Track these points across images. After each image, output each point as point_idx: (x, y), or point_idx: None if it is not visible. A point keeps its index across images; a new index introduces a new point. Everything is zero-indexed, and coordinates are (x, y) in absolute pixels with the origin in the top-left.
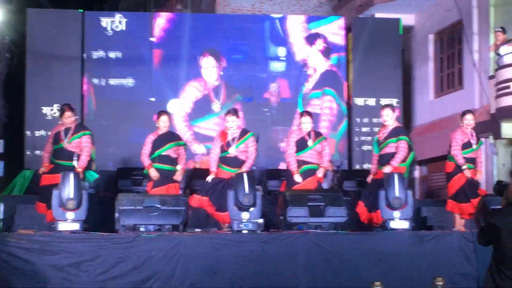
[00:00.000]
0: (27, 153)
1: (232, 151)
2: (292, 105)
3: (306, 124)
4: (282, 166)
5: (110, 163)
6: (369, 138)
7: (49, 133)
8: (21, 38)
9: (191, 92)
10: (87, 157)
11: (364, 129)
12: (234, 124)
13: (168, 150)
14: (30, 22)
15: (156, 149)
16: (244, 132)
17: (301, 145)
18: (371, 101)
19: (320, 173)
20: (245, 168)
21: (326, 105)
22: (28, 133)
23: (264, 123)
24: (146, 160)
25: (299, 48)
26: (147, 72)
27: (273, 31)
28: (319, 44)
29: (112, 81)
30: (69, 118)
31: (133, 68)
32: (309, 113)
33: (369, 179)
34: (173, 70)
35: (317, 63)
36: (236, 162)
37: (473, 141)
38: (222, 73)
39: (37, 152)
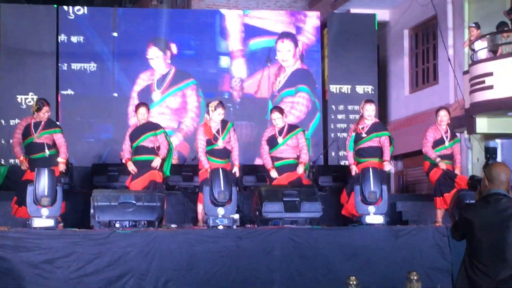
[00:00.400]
0: (2, 142)
1: (220, 144)
2: (257, 100)
3: (277, 120)
4: (258, 161)
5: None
6: (345, 125)
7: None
8: None
9: (138, 84)
10: (66, 152)
11: (339, 116)
12: (221, 117)
13: (144, 141)
14: (4, 17)
15: (134, 142)
16: (224, 123)
17: (272, 142)
18: (346, 89)
19: (299, 170)
20: (237, 161)
21: (300, 102)
22: (2, 121)
23: (227, 118)
24: (124, 155)
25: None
26: (108, 68)
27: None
28: (291, 42)
29: (74, 66)
30: (46, 114)
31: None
32: (279, 109)
33: (353, 172)
34: (129, 65)
35: (288, 61)
36: (224, 153)
37: (446, 138)
38: (169, 61)
39: (11, 161)
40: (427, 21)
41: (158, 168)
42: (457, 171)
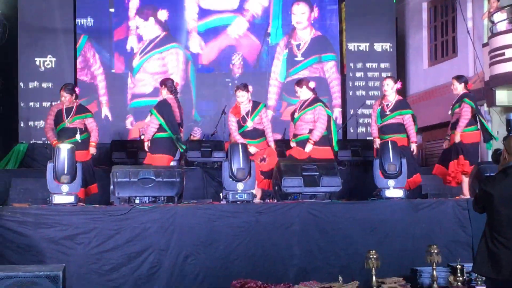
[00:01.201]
0: (21, 125)
1: (250, 124)
2: (257, 74)
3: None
4: (275, 137)
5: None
6: (363, 82)
7: (44, 105)
8: (12, 11)
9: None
10: (97, 136)
11: (358, 74)
12: (244, 99)
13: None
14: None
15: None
16: (256, 104)
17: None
18: (364, 46)
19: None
20: (271, 142)
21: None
22: (22, 104)
23: (226, 94)
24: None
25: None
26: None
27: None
28: (306, 6)
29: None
30: (65, 99)
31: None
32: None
33: (376, 144)
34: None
35: (302, 23)
36: (255, 134)
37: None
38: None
39: (31, 123)
40: None
41: None
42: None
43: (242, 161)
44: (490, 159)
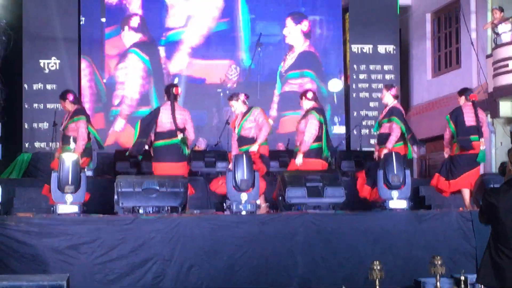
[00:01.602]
0: (26, 145)
1: (237, 132)
2: (248, 84)
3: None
4: (280, 147)
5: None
6: (367, 85)
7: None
8: (17, 20)
9: None
10: (82, 141)
11: (361, 76)
12: (234, 109)
13: None
14: (27, 4)
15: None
16: (247, 110)
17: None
18: (367, 48)
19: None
20: (259, 139)
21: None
22: (26, 106)
23: (217, 104)
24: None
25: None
26: None
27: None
28: (304, 26)
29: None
30: (64, 106)
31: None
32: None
33: (375, 155)
34: None
35: (297, 43)
36: (244, 141)
37: None
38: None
39: (36, 144)
40: (449, 4)
41: None
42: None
43: (246, 172)
44: (494, 171)
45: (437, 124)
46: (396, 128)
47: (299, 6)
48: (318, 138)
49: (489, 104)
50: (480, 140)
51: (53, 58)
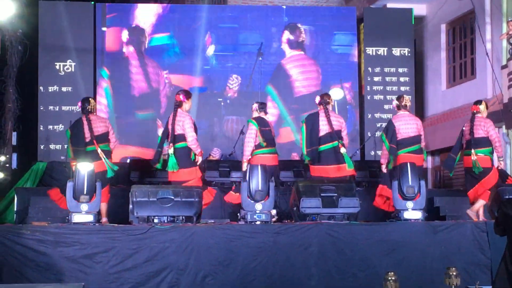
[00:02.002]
0: (41, 147)
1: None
2: (249, 94)
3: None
4: (294, 157)
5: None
6: (381, 87)
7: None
8: (33, 30)
9: None
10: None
11: (376, 79)
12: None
13: None
14: (42, 15)
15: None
16: None
17: None
18: (382, 50)
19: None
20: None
21: None
22: (41, 127)
23: (218, 113)
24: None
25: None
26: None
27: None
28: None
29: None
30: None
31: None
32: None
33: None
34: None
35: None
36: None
37: None
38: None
39: (51, 146)
40: (464, 15)
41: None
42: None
43: (261, 183)
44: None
45: (452, 135)
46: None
47: (306, 16)
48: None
49: (504, 114)
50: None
51: (69, 61)
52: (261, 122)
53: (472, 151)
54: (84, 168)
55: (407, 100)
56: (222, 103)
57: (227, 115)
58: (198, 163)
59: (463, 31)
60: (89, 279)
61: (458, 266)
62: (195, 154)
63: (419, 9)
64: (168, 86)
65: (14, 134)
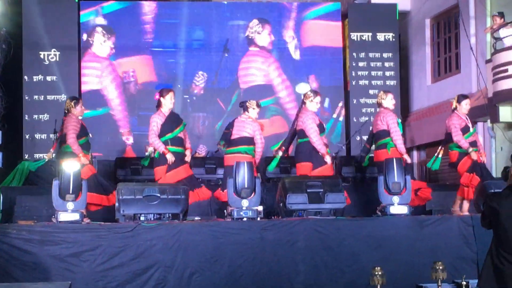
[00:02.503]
0: (26, 136)
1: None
2: (215, 90)
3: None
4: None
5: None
6: (366, 72)
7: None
8: (17, 29)
9: None
10: None
11: (360, 64)
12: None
13: (180, 132)
14: (26, 13)
15: (168, 133)
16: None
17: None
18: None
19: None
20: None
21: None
22: (26, 117)
23: (185, 110)
24: (160, 144)
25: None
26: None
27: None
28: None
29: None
30: (82, 110)
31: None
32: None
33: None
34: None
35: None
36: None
37: (470, 125)
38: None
39: (36, 136)
40: (448, 10)
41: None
42: (483, 158)
43: (247, 180)
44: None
45: (437, 129)
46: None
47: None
48: None
49: (489, 109)
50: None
51: (53, 50)
52: (228, 125)
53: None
54: (69, 166)
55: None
56: (188, 100)
57: (194, 112)
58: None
59: (448, 26)
60: (76, 278)
61: (445, 260)
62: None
63: (403, 4)
64: (134, 84)
65: (0, 133)
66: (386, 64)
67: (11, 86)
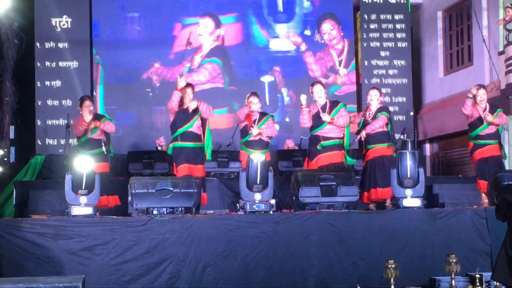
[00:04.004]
0: (38, 142)
1: (255, 132)
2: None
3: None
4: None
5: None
6: (377, 34)
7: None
8: (29, 23)
9: None
10: (111, 126)
11: (372, 26)
12: (258, 107)
13: (192, 127)
14: (38, 7)
15: (180, 127)
16: (263, 115)
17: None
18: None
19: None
20: (263, 130)
21: None
22: (38, 122)
23: (147, 103)
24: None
25: None
26: None
27: None
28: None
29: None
30: (88, 107)
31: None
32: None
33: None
34: None
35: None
36: (259, 145)
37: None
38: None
39: (49, 141)
40: (460, 2)
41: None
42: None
43: (259, 176)
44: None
45: (450, 121)
46: (383, 119)
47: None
48: None
49: (502, 101)
50: None
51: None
52: None
53: None
54: (82, 160)
55: None
56: (150, 94)
57: (156, 106)
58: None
59: (460, 18)
60: (89, 271)
61: (458, 253)
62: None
63: None
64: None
65: (12, 128)
66: (398, 26)
67: (24, 81)
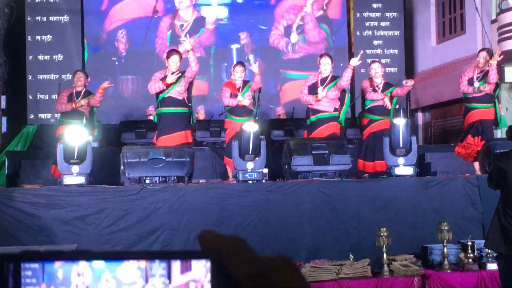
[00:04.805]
0: (30, 116)
1: (241, 101)
2: (143, 53)
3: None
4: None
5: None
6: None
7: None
8: None
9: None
10: (99, 98)
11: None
12: (243, 75)
13: (172, 91)
14: None
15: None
16: (245, 83)
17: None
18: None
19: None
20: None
21: None
22: (30, 96)
23: (112, 72)
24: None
25: None
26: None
27: None
28: None
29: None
30: (80, 80)
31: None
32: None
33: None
34: None
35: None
36: (243, 111)
37: (477, 79)
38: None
39: (41, 115)
40: None
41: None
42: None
43: (252, 146)
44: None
45: (442, 90)
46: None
47: None
48: None
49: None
50: None
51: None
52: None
53: None
54: (74, 129)
55: None
56: (116, 63)
57: (122, 75)
58: None
59: None
60: (82, 241)
61: (450, 221)
62: None
63: None
64: None
65: (3, 97)
66: (389, 15)
67: (14, 51)
